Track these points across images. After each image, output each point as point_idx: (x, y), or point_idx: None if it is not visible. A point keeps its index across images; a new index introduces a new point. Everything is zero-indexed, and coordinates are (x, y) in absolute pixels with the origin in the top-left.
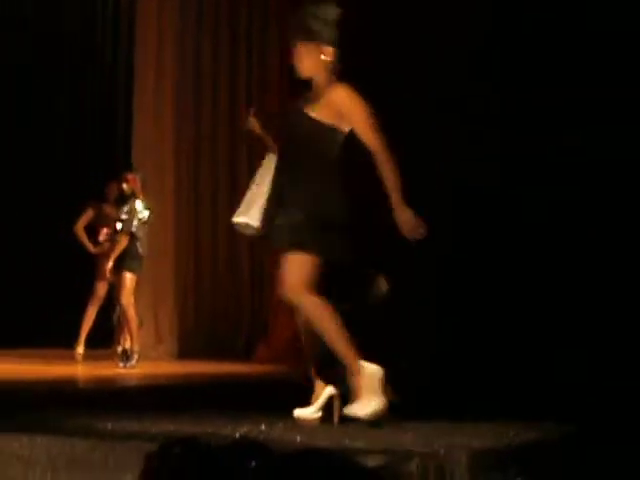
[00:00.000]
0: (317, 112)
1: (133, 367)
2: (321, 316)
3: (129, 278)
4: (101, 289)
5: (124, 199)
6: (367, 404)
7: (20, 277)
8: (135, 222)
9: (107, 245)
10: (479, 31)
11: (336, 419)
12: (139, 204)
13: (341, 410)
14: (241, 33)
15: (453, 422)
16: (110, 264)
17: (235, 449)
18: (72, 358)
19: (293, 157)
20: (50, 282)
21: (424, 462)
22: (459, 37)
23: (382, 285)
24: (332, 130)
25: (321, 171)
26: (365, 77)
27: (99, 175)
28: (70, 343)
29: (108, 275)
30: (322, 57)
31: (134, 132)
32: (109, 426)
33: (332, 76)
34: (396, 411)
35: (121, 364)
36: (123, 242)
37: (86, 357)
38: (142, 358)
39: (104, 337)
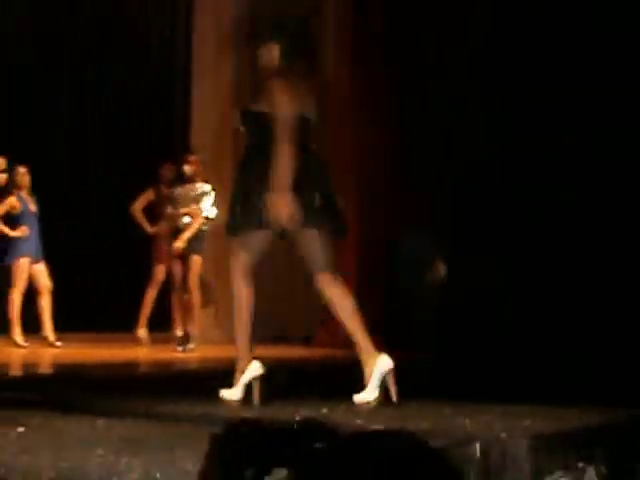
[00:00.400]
0: None
1: (192, 350)
2: None
3: (199, 261)
4: (160, 273)
5: (183, 181)
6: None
7: (81, 262)
8: (209, 204)
9: (165, 226)
10: (479, 31)
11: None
12: (207, 187)
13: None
14: None
15: (511, 406)
16: (180, 244)
17: (300, 431)
18: (133, 341)
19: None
20: (111, 266)
21: (486, 446)
22: (460, 37)
23: (440, 269)
24: None
25: None
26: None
27: (155, 157)
28: (130, 327)
29: (176, 254)
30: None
31: (192, 114)
32: (170, 409)
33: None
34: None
35: (180, 348)
36: (198, 223)
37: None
38: (200, 341)
39: (161, 321)
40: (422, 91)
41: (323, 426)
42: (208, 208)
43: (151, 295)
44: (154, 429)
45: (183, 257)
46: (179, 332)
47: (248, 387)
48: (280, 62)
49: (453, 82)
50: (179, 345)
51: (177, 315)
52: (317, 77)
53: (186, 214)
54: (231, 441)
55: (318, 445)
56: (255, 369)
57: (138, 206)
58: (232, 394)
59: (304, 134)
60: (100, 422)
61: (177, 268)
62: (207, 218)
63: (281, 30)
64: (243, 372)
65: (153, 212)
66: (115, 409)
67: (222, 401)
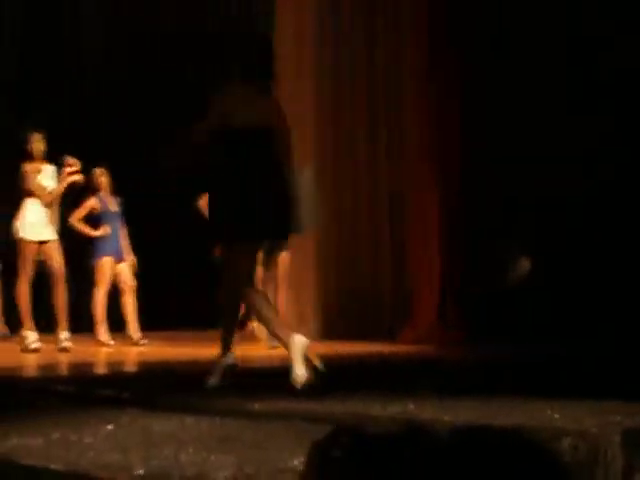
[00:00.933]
0: None
1: (277, 347)
2: None
3: (288, 256)
4: None
5: None
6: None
7: (162, 261)
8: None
9: None
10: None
11: None
12: None
13: None
14: None
15: (601, 401)
16: None
17: (403, 436)
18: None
19: None
20: (192, 263)
21: (576, 441)
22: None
23: (524, 266)
24: None
25: None
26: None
27: None
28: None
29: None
30: None
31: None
32: (257, 406)
33: None
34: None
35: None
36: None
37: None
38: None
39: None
40: (498, 65)
41: (423, 427)
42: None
43: None
44: (244, 426)
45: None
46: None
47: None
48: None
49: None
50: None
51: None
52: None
53: None
54: (332, 450)
55: (420, 450)
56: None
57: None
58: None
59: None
60: (189, 420)
61: None
62: None
63: (242, 47)
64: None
65: None
66: (203, 406)
67: (313, 397)
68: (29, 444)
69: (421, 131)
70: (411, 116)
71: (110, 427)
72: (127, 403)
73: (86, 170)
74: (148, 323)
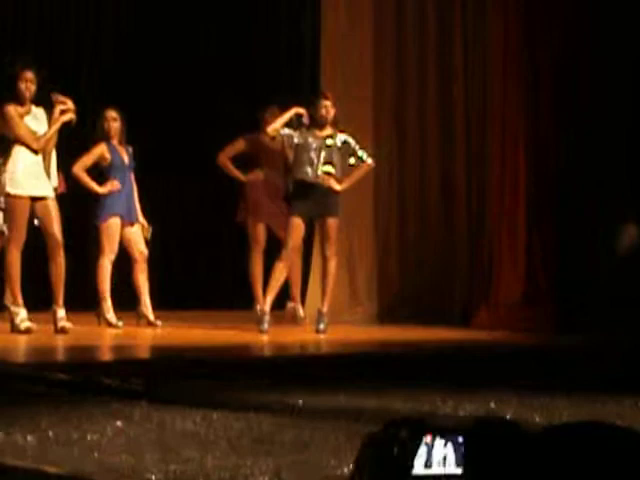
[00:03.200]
0: None
1: (324, 332)
2: None
3: (335, 224)
4: (260, 233)
5: (320, 126)
6: None
7: (176, 227)
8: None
9: (260, 175)
10: None
11: None
12: (343, 136)
13: None
14: None
15: None
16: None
17: (476, 429)
18: (241, 320)
19: None
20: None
21: None
22: None
23: (632, 233)
24: None
25: None
26: None
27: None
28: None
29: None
30: None
31: (322, 53)
32: (300, 401)
33: None
34: None
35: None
36: (361, 173)
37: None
38: (335, 322)
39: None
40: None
41: (505, 424)
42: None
43: (257, 262)
44: (282, 424)
45: (311, 218)
46: (262, 308)
47: None
48: None
49: None
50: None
51: (272, 287)
52: None
53: (327, 163)
54: (390, 443)
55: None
56: None
57: (226, 155)
58: None
59: None
60: (216, 416)
61: (297, 229)
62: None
63: None
64: None
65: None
66: (233, 401)
67: (365, 391)
68: (20, 442)
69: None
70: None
71: (119, 423)
72: (137, 395)
73: (94, 112)
74: (163, 300)
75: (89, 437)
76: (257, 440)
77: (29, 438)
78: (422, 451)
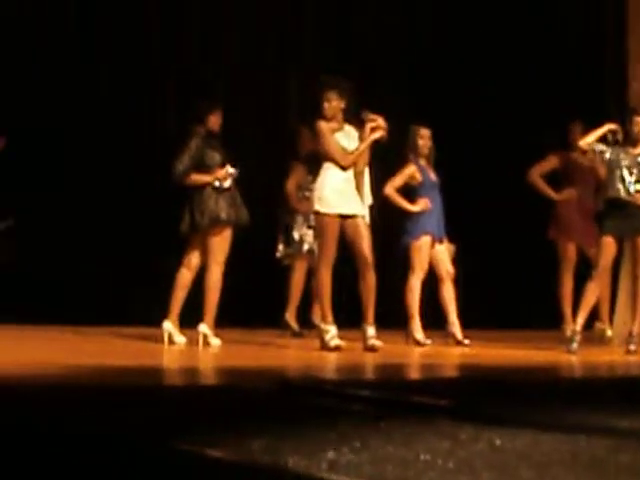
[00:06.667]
0: None
1: (635, 353)
2: None
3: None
4: (571, 251)
5: (633, 143)
6: None
7: (486, 244)
8: None
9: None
10: None
11: None
12: None
13: None
14: None
15: None
16: None
17: None
18: (553, 340)
19: None
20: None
21: None
22: None
23: None
24: None
25: None
26: None
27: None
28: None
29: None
30: None
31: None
32: (626, 423)
33: None
34: None
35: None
36: None
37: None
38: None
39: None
40: None
41: None
42: None
43: (567, 281)
44: (614, 447)
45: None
46: (573, 328)
47: None
48: None
49: None
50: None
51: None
52: None
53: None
54: None
55: None
56: None
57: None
58: None
59: None
60: (543, 437)
61: (608, 249)
62: None
63: None
64: None
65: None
66: (555, 422)
67: None
68: (354, 461)
69: None
70: None
71: (447, 443)
72: (447, 413)
73: (399, 128)
74: (470, 320)
75: (422, 457)
76: (591, 463)
77: (361, 457)
78: None
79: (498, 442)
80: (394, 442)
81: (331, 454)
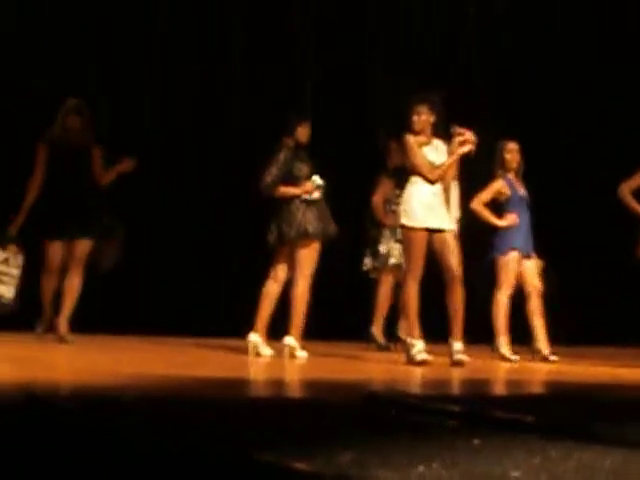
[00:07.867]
0: None
1: None
2: None
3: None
4: None
5: None
6: None
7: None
8: None
9: None
10: None
11: None
12: None
13: None
14: None
15: None
16: None
17: None
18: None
19: None
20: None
21: None
22: None
23: None
24: None
25: None
26: None
27: None
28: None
29: None
30: None
31: None
32: None
33: None
34: None
35: None
36: None
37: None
38: None
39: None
40: None
41: None
42: None
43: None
44: None
45: None
46: None
47: None
48: None
49: None
50: None
51: None
52: None
53: None
54: None
55: None
56: None
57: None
58: None
59: None
60: (633, 456)
61: None
62: None
63: None
64: None
65: None
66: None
67: None
68: (444, 476)
69: None
70: None
71: (537, 460)
72: (530, 430)
73: (489, 142)
74: (557, 335)
75: (512, 474)
76: None
77: (452, 472)
78: None
79: (589, 460)
80: (484, 458)
81: (421, 468)
